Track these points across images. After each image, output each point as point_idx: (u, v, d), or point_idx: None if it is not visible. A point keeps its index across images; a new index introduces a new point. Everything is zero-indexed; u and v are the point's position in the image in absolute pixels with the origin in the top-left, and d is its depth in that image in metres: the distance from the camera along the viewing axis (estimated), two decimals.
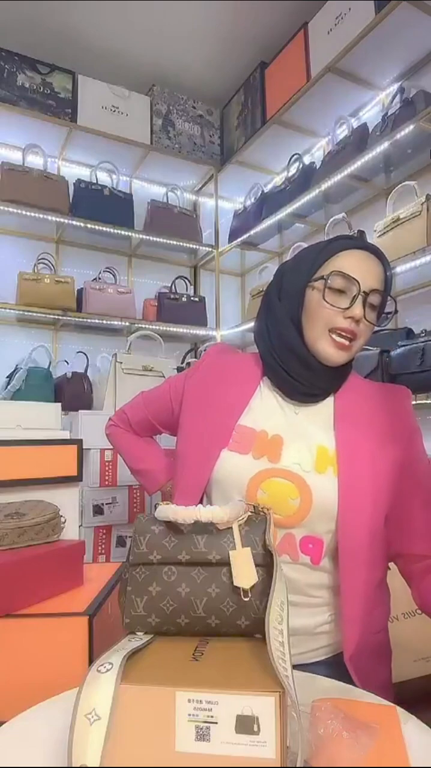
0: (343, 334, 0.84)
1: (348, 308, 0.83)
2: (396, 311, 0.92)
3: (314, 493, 0.82)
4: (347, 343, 0.85)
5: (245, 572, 0.66)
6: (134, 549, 0.69)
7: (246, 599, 0.65)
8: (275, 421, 0.88)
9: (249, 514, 0.72)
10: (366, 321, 0.85)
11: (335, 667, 0.83)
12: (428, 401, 1.66)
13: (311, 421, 0.89)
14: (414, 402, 1.66)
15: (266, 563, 0.67)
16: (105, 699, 0.51)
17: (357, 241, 0.89)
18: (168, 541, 0.69)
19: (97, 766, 0.49)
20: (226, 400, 0.90)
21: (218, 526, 0.69)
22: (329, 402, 0.91)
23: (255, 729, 0.50)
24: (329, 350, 0.85)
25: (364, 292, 0.83)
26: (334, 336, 0.85)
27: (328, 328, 0.85)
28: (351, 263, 0.85)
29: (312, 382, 0.88)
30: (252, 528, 0.70)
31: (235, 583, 0.65)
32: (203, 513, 0.68)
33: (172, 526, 0.69)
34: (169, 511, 0.70)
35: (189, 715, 0.51)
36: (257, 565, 0.67)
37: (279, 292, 0.92)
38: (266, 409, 0.90)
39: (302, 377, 0.88)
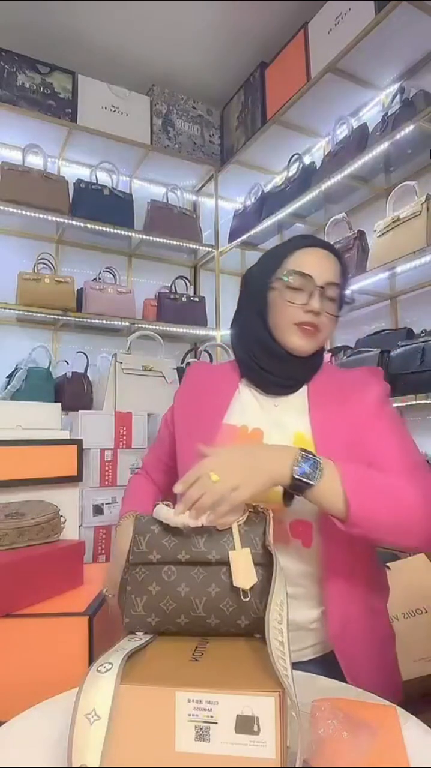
0: (306, 327, 0.91)
1: (306, 303, 0.90)
2: (353, 300, 1.02)
3: None
4: (311, 330, 0.92)
5: (244, 573, 0.66)
6: (133, 549, 0.69)
7: (246, 599, 0.65)
8: (254, 415, 0.95)
9: (249, 513, 0.73)
10: (326, 313, 0.91)
11: (326, 665, 0.84)
12: (428, 401, 1.66)
13: (287, 411, 0.94)
14: (414, 402, 1.67)
15: (265, 562, 0.67)
16: (105, 699, 0.51)
17: (311, 240, 0.96)
18: (168, 540, 0.69)
19: (98, 766, 0.50)
20: (210, 405, 0.97)
21: (217, 527, 0.70)
22: (303, 391, 0.96)
23: (255, 729, 0.50)
24: (296, 341, 0.92)
25: (320, 286, 0.90)
26: (302, 327, 0.91)
27: (292, 323, 0.91)
28: (306, 261, 0.92)
29: (285, 373, 0.95)
30: (252, 528, 0.71)
31: (234, 584, 0.65)
32: (174, 519, 0.69)
33: (171, 527, 0.69)
34: (161, 512, 0.71)
35: (189, 715, 0.51)
36: (256, 564, 0.67)
37: (248, 297, 1.00)
38: (246, 405, 0.96)
39: (275, 370, 0.94)
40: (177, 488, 0.72)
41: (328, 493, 0.75)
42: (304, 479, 0.74)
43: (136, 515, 0.76)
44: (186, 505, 0.70)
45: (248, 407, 0.96)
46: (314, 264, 0.91)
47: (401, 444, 0.88)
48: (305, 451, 0.76)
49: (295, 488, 0.75)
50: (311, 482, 0.74)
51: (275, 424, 0.92)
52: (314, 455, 0.76)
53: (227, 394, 0.98)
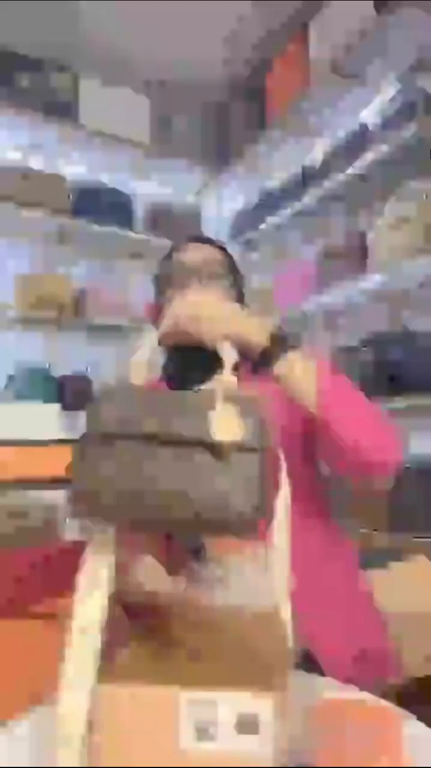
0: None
1: (185, 288, 0.91)
2: (240, 277, 1.05)
3: None
4: None
5: (227, 424, 0.54)
6: (90, 419, 0.56)
7: (225, 457, 0.52)
8: None
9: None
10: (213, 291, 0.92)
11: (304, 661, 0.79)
12: (428, 401, 1.66)
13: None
14: (414, 402, 1.67)
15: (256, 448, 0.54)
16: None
17: (185, 239, 1.05)
18: (136, 410, 0.56)
19: (98, 766, 0.50)
20: None
21: (199, 390, 0.60)
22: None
23: (256, 729, 0.50)
24: None
25: (196, 269, 0.95)
26: None
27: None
28: (179, 258, 1.00)
29: (201, 367, 0.89)
30: (243, 404, 0.56)
31: (213, 437, 0.53)
32: None
33: (145, 395, 0.58)
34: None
35: (189, 715, 0.51)
36: (248, 450, 0.53)
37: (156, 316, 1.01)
38: None
39: (190, 368, 0.88)
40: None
41: (301, 364, 0.75)
42: (283, 341, 0.74)
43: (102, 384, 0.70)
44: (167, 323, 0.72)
45: None
46: (189, 255, 0.99)
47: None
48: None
49: (273, 343, 0.74)
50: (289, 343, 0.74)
51: None
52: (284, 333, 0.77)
53: None
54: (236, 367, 0.63)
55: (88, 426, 0.56)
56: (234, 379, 0.61)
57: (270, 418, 0.57)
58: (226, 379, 0.62)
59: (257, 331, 0.74)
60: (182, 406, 0.56)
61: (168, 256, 1.05)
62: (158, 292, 1.03)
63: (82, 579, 0.55)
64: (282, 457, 0.60)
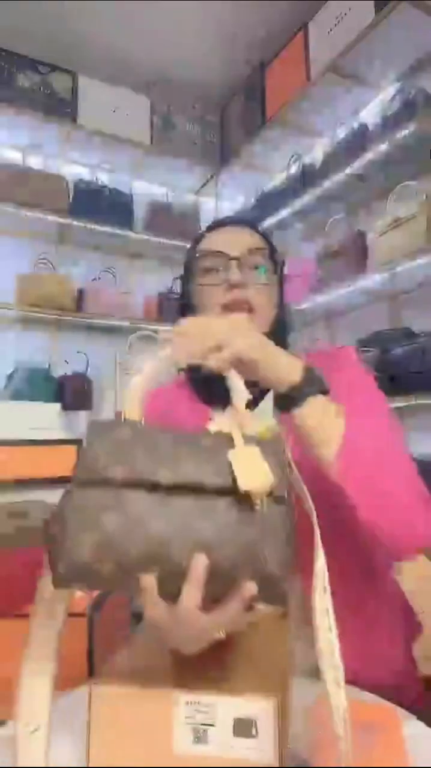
0: (235, 308, 0.78)
1: (225, 280, 0.79)
2: (283, 262, 0.88)
3: None
4: (241, 311, 0.79)
5: (253, 471, 0.47)
6: (84, 461, 0.47)
7: (258, 508, 0.46)
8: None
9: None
10: (255, 285, 0.80)
11: None
12: (428, 401, 1.66)
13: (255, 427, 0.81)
14: (414, 402, 1.67)
15: (281, 500, 0.48)
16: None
17: (215, 222, 0.89)
18: (141, 451, 0.47)
19: (97, 766, 0.50)
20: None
21: (213, 434, 0.52)
22: (269, 397, 0.83)
23: (253, 732, 0.49)
24: None
25: (235, 257, 0.79)
26: (225, 312, 0.79)
27: (220, 310, 0.79)
28: (213, 240, 0.84)
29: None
30: (263, 446, 0.50)
31: (240, 487, 0.45)
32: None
33: (148, 434, 0.49)
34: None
35: (187, 717, 0.51)
36: (276, 499, 0.47)
37: (185, 311, 0.88)
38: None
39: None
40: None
41: (323, 412, 0.63)
42: (315, 381, 0.63)
43: (91, 420, 0.56)
44: (177, 345, 0.59)
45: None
46: (223, 239, 0.83)
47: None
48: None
49: (296, 390, 0.63)
50: (321, 386, 0.63)
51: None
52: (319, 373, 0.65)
53: (203, 419, 0.81)
54: (248, 405, 0.57)
55: (81, 471, 0.46)
56: (249, 415, 0.55)
57: (291, 459, 0.52)
58: (241, 414, 0.55)
59: (289, 369, 0.64)
60: (196, 450, 0.48)
61: (199, 240, 0.88)
62: (186, 281, 0.88)
63: (25, 669, 0.51)
64: (311, 505, 0.52)
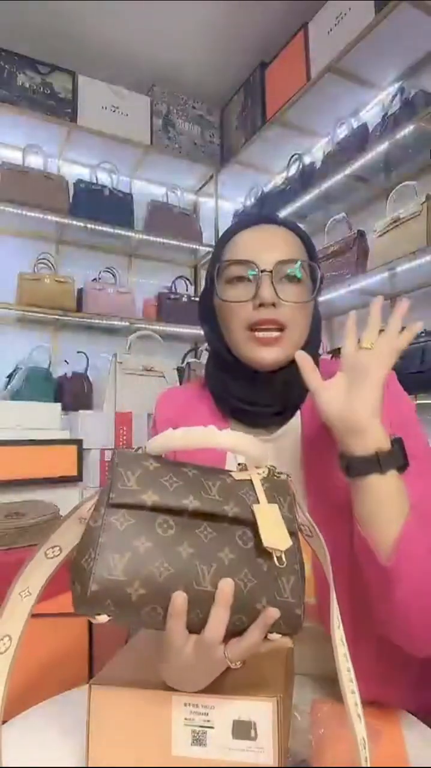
0: (263, 327, 0.69)
1: (254, 296, 0.68)
2: (321, 279, 0.73)
3: None
4: (273, 335, 0.69)
5: (275, 532, 0.50)
6: (116, 485, 0.48)
7: (282, 566, 0.49)
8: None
9: (269, 467, 0.57)
10: (285, 301, 0.68)
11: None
12: (428, 401, 1.65)
13: (279, 452, 0.72)
14: (414, 402, 1.67)
15: (293, 535, 0.53)
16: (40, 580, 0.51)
17: (248, 219, 0.75)
18: (169, 480, 0.49)
19: (95, 766, 0.49)
20: (206, 456, 0.70)
21: (233, 474, 0.53)
22: (296, 421, 0.74)
23: (252, 734, 0.49)
24: (255, 351, 0.69)
25: (266, 270, 0.68)
26: (257, 334, 0.69)
27: (246, 327, 0.70)
28: (243, 245, 0.72)
29: (261, 399, 0.72)
30: (274, 486, 0.54)
31: (265, 544, 0.49)
32: (224, 437, 0.52)
33: (172, 466, 0.51)
34: (174, 435, 0.51)
35: (186, 719, 0.51)
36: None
37: (203, 310, 0.80)
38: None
39: (247, 396, 0.72)
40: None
41: (394, 499, 0.57)
42: (402, 453, 0.58)
43: (116, 450, 0.53)
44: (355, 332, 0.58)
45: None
46: (254, 245, 0.71)
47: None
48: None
49: (387, 456, 0.57)
50: (399, 465, 0.58)
51: None
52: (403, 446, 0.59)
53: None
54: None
55: (114, 494, 0.47)
56: (275, 508, 0.53)
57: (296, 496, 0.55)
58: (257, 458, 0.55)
59: (378, 433, 0.58)
60: (219, 483, 0.51)
61: (225, 241, 0.75)
62: (209, 288, 0.76)
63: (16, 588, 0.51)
64: (324, 543, 0.53)
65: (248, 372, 0.72)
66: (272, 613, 0.47)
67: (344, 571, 0.63)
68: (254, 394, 0.72)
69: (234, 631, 0.48)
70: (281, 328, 0.69)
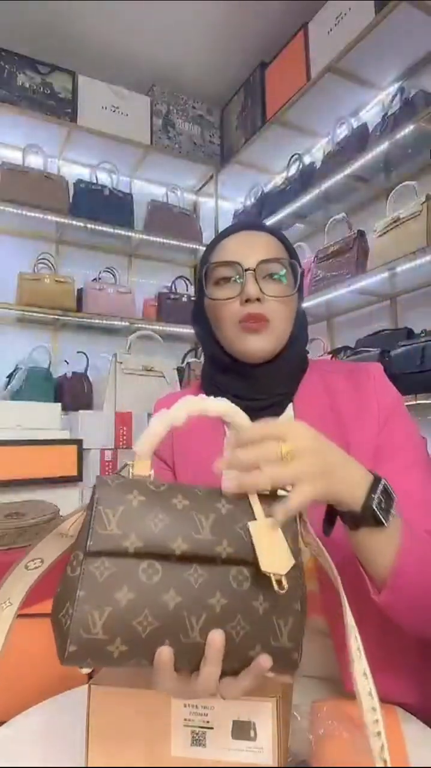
0: (250, 322, 0.75)
1: (240, 293, 0.74)
2: (302, 275, 0.80)
3: None
4: (257, 325, 0.75)
5: (275, 552, 0.45)
6: (95, 530, 0.43)
7: (283, 591, 0.45)
8: None
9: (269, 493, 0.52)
10: (272, 297, 0.75)
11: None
12: (428, 401, 1.65)
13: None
14: (414, 402, 1.67)
15: (296, 563, 0.47)
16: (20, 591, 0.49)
17: (232, 226, 0.82)
18: (154, 519, 0.44)
19: (94, 766, 0.49)
20: (201, 456, 0.76)
21: (225, 492, 0.48)
22: (288, 414, 0.78)
23: (252, 735, 0.49)
24: (244, 341, 0.75)
25: (250, 269, 0.74)
26: (244, 325, 0.75)
27: (234, 323, 0.76)
28: (228, 248, 0.78)
29: (252, 391, 0.77)
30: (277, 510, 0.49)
31: (264, 569, 0.44)
32: (213, 403, 0.50)
33: (159, 498, 0.46)
34: (168, 413, 0.48)
35: (185, 719, 0.51)
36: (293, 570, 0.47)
37: (196, 316, 0.85)
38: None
39: (239, 390, 0.77)
40: (225, 456, 0.49)
41: (384, 540, 0.55)
42: (379, 514, 0.53)
43: (98, 476, 0.48)
44: (230, 464, 0.48)
45: None
46: (238, 247, 0.77)
47: (425, 482, 0.67)
48: (379, 477, 0.57)
49: (358, 520, 0.54)
50: (383, 521, 0.54)
51: None
52: (389, 488, 0.56)
53: (219, 433, 0.79)
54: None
55: (92, 541, 0.43)
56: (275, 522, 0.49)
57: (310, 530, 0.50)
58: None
59: (339, 501, 0.54)
60: (212, 517, 0.46)
61: (212, 247, 0.83)
62: (200, 290, 0.82)
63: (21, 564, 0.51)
64: (336, 572, 0.47)
65: (238, 367, 0.78)
66: (264, 663, 0.44)
67: (339, 561, 0.62)
68: (245, 388, 0.77)
69: (228, 673, 0.45)
70: (267, 323, 0.75)
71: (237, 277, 0.76)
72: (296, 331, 0.80)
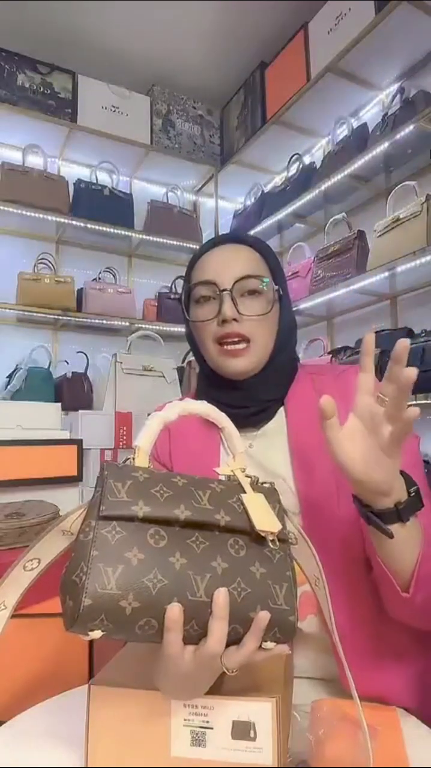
0: (229, 341, 0.75)
1: (218, 313, 0.75)
2: (282, 290, 0.81)
3: None
4: (240, 347, 0.75)
5: (265, 516, 0.52)
6: (106, 497, 0.47)
7: (276, 547, 0.52)
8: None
9: (251, 477, 0.59)
10: (246, 316, 0.75)
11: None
12: (428, 401, 1.65)
13: (267, 448, 0.78)
14: (414, 402, 1.67)
15: (284, 542, 0.54)
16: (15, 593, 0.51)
17: (213, 240, 0.83)
18: (160, 491, 0.50)
19: (93, 766, 0.49)
20: (199, 462, 0.78)
21: (218, 471, 0.57)
22: (280, 417, 0.80)
23: (251, 735, 0.49)
24: (225, 363, 0.77)
25: (226, 289, 0.75)
26: (225, 347, 0.76)
27: (214, 341, 0.77)
28: (207, 266, 0.79)
29: (241, 401, 0.78)
30: (261, 490, 0.57)
31: (257, 527, 0.50)
32: (197, 405, 0.58)
33: (162, 476, 0.52)
34: (158, 414, 0.56)
35: (185, 719, 0.51)
36: (282, 540, 0.54)
37: (188, 331, 0.86)
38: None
39: (229, 400, 0.77)
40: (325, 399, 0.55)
41: (411, 534, 0.59)
42: (412, 504, 0.58)
43: (105, 462, 0.55)
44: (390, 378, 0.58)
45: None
46: (215, 266, 0.78)
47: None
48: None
49: (394, 512, 0.58)
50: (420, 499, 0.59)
51: (259, 469, 0.75)
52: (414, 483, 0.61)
53: (215, 439, 0.80)
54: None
55: (105, 506, 0.47)
56: (247, 460, 0.59)
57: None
58: (240, 459, 0.59)
59: (396, 482, 0.58)
60: (209, 492, 0.52)
61: (194, 263, 0.83)
62: (186, 308, 0.83)
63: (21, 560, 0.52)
64: (314, 550, 0.55)
65: (225, 382, 0.79)
66: (264, 616, 0.47)
67: (336, 561, 0.67)
68: (234, 398, 0.78)
69: (230, 641, 0.47)
70: (246, 340, 0.76)
71: (215, 296, 0.76)
72: (282, 341, 0.80)
